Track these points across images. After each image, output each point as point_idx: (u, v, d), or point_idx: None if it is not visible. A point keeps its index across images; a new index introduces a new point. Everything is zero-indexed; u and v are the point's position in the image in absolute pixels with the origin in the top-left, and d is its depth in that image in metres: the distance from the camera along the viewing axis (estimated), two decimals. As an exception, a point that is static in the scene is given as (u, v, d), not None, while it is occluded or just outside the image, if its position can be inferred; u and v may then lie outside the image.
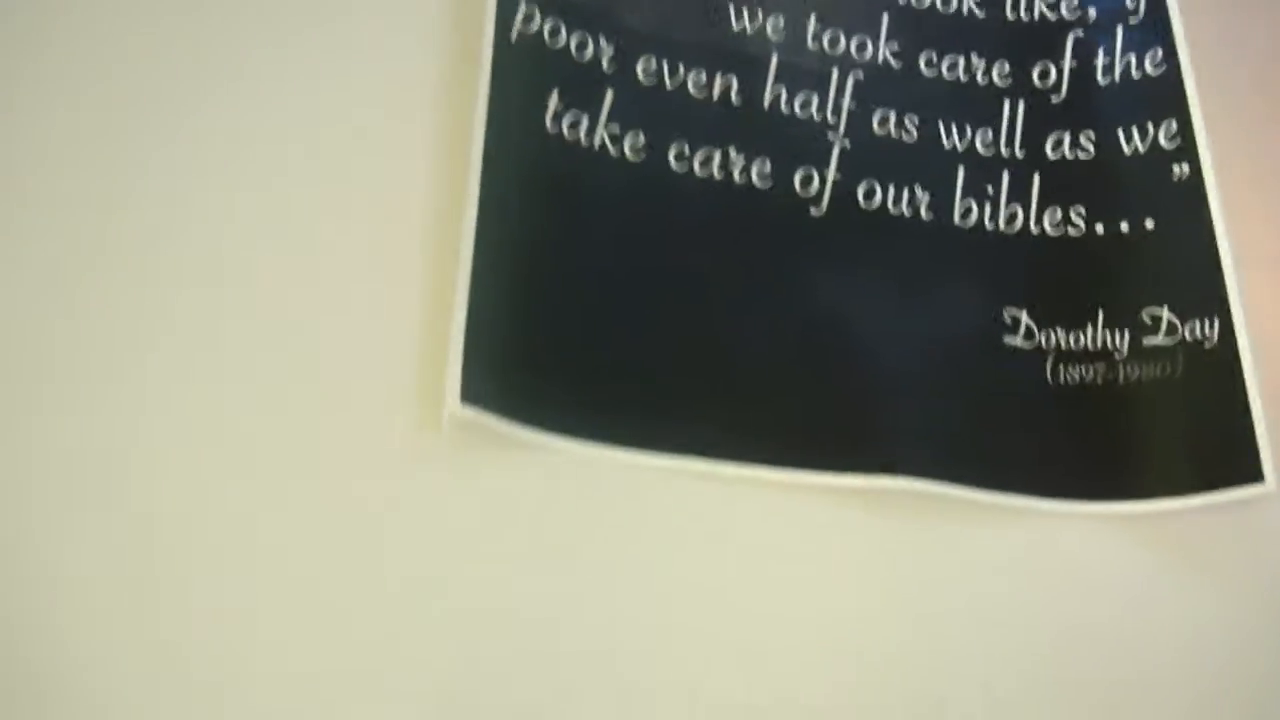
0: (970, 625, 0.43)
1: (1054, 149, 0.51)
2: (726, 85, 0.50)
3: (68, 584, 0.39)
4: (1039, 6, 0.54)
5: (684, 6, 0.51)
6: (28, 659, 0.38)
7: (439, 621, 0.40)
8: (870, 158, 0.50)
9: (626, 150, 0.48)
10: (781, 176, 0.49)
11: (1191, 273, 0.49)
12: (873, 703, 0.42)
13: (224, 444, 0.41)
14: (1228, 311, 0.48)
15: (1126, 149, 0.51)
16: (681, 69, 0.49)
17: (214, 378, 0.42)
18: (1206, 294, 0.48)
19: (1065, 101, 0.52)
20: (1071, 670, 0.43)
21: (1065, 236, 0.50)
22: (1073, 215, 0.50)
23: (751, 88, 0.50)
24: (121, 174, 0.44)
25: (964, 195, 0.50)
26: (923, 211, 0.49)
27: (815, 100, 0.50)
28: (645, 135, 0.48)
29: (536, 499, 0.43)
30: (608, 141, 0.48)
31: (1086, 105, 0.52)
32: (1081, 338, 0.48)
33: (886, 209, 0.49)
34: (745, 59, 0.50)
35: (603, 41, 0.49)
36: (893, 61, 0.52)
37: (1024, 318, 0.48)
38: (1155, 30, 0.52)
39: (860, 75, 0.51)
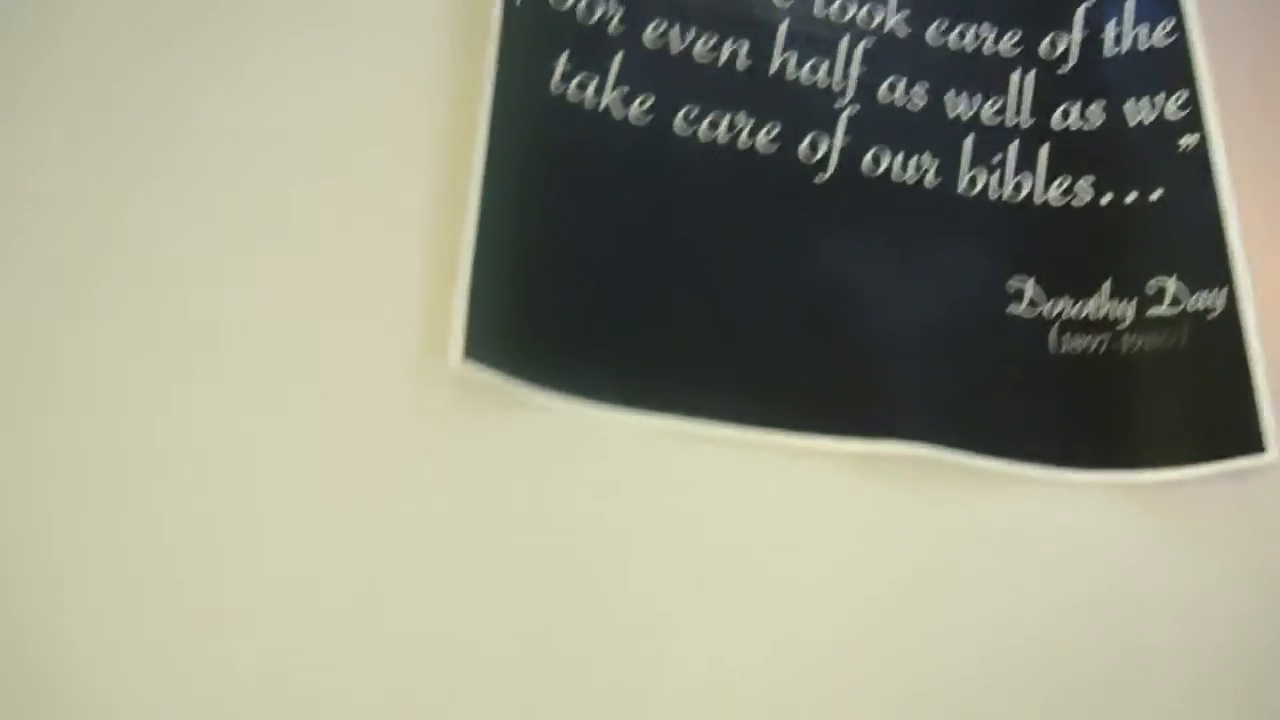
0: (968, 591, 0.43)
1: (1062, 119, 0.51)
2: (735, 50, 0.50)
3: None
4: None
5: (693, -30, 0.51)
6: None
7: (442, 586, 0.41)
8: (878, 125, 0.50)
9: (632, 113, 0.48)
10: (788, 142, 0.49)
11: (1199, 244, 0.48)
12: (868, 666, 0.42)
13: (224, 429, 0.41)
14: (1234, 282, 0.47)
15: (1135, 119, 0.50)
16: (691, 33, 0.49)
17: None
18: (1213, 265, 0.48)
19: (1074, 71, 0.52)
20: (1069, 638, 0.43)
21: (1072, 206, 0.49)
22: (1080, 185, 0.50)
23: (760, 53, 0.50)
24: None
25: (971, 164, 0.50)
26: (929, 179, 0.49)
27: (824, 66, 0.50)
28: (653, 98, 0.48)
29: (538, 459, 0.43)
30: (615, 104, 0.48)
31: (1096, 75, 0.51)
32: (1086, 307, 0.48)
33: (891, 176, 0.49)
34: (754, 24, 0.50)
35: (611, 3, 0.49)
36: (902, 29, 0.52)
37: (1029, 287, 0.48)
38: (1166, 1, 0.52)
39: (869, 43, 0.51)
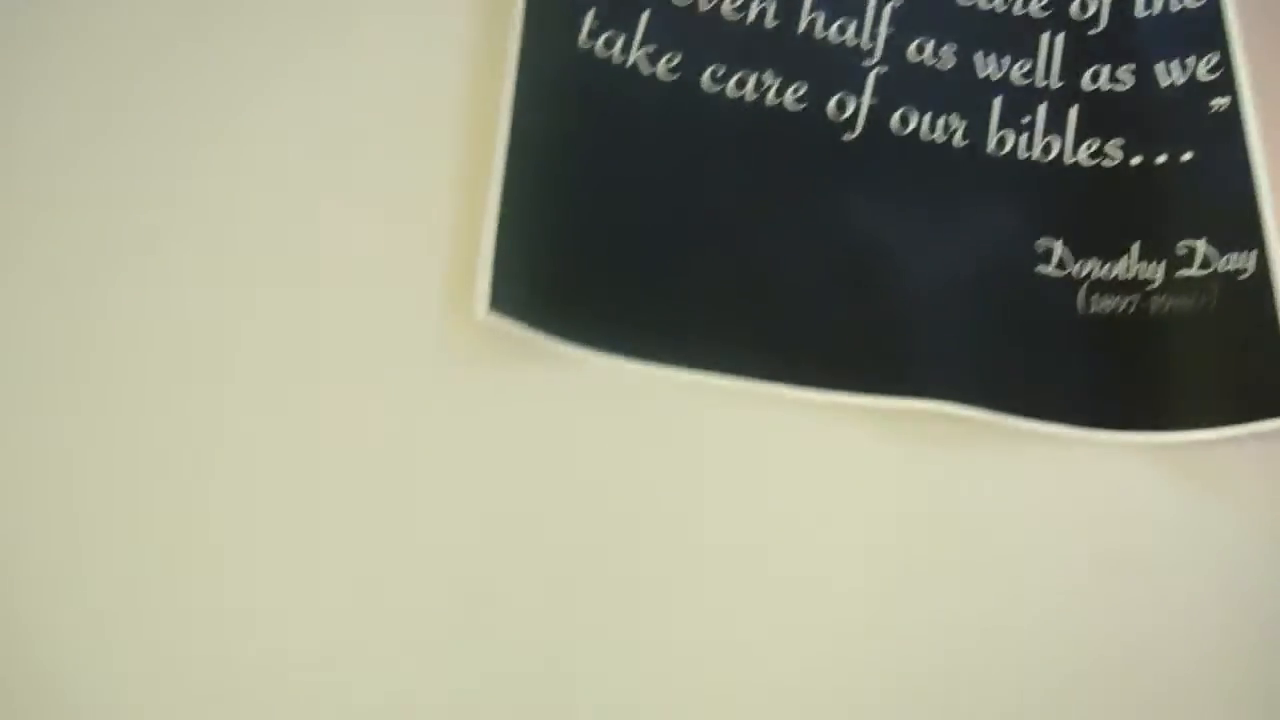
0: (996, 547, 0.43)
1: (1092, 81, 0.50)
2: (763, 8, 0.49)
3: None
4: None
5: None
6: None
7: (466, 536, 0.41)
8: (906, 84, 0.49)
9: (660, 71, 0.48)
10: (816, 100, 0.48)
11: (1229, 206, 0.48)
12: (897, 616, 0.42)
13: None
14: (1265, 244, 0.47)
15: (1166, 81, 0.50)
16: None
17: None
18: (1244, 227, 0.47)
19: (1104, 33, 0.51)
20: (1098, 598, 0.43)
21: (1102, 168, 0.49)
22: (1110, 147, 0.49)
23: (788, 12, 0.50)
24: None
25: (1000, 125, 0.49)
26: (957, 139, 0.49)
27: (852, 26, 0.50)
28: (680, 56, 0.48)
29: (564, 413, 0.43)
30: (642, 61, 0.48)
31: (1126, 37, 0.51)
32: (1115, 268, 0.47)
33: (919, 135, 0.49)
34: None
35: None
36: None
37: (1059, 248, 0.47)
38: (1198, -38, 0.52)
39: (898, 2, 0.51)
